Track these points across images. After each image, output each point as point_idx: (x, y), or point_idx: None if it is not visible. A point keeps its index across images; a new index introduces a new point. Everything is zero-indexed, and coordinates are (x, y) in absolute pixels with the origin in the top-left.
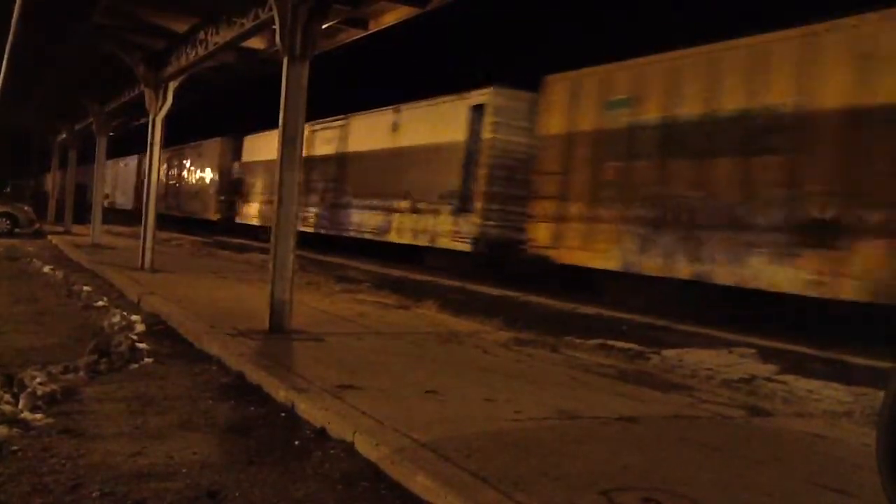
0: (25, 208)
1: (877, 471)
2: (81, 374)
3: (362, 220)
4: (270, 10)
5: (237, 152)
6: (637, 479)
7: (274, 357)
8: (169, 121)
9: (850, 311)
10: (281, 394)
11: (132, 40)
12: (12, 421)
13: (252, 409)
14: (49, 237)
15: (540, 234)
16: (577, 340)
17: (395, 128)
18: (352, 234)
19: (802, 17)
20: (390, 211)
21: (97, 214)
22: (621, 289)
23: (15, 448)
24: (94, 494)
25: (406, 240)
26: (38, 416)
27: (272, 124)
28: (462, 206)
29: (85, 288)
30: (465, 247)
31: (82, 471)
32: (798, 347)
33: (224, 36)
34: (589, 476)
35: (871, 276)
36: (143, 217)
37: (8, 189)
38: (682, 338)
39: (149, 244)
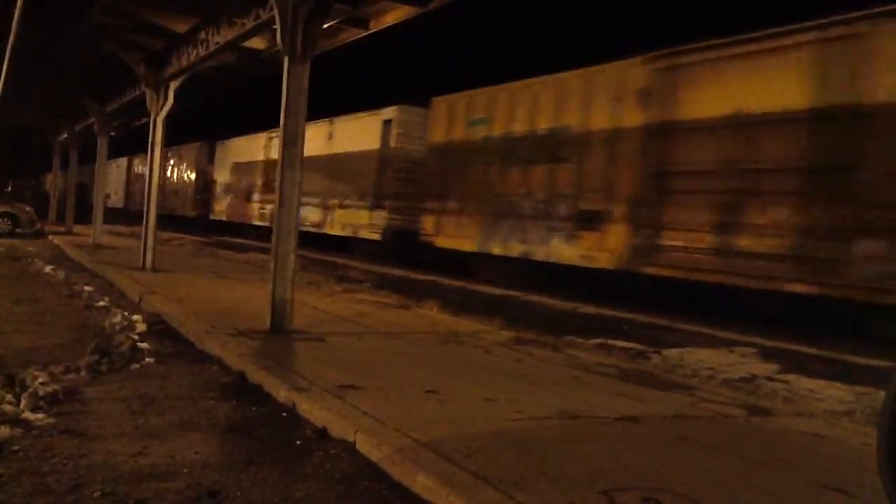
0: (26, 208)
1: (877, 470)
2: (83, 373)
3: (306, 215)
4: (271, 10)
5: (211, 156)
6: (637, 479)
7: (275, 357)
8: (169, 121)
9: (850, 312)
10: (282, 394)
11: (133, 40)
12: (14, 421)
13: (253, 408)
14: (50, 237)
15: (428, 225)
16: (578, 340)
17: (330, 137)
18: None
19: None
20: (327, 207)
21: (98, 214)
22: (482, 266)
23: (16, 448)
24: (95, 494)
25: (337, 231)
26: (40, 416)
27: (273, 124)
28: (376, 203)
29: (86, 288)
30: (377, 237)
31: (83, 471)
32: (799, 347)
33: (225, 36)
34: (589, 476)
35: (616, 251)
36: (144, 217)
37: (9, 189)
38: (682, 337)
39: (150, 244)
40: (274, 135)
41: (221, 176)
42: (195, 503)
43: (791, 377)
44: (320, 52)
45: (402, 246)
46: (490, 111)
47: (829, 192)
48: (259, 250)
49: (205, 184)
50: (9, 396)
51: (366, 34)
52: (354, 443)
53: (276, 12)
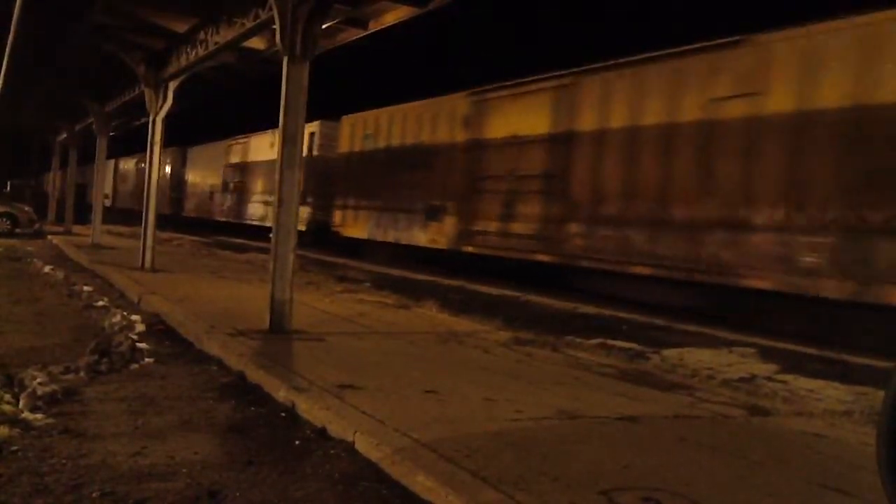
0: (26, 208)
1: (876, 470)
2: (82, 374)
3: (254, 210)
4: (270, 10)
5: (184, 160)
6: (637, 479)
7: (274, 357)
8: (169, 120)
9: (851, 312)
10: (281, 394)
11: (132, 40)
12: (13, 421)
13: (252, 408)
14: (49, 237)
15: (336, 218)
16: (577, 340)
17: (272, 145)
18: (246, 221)
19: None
20: (267, 204)
21: (98, 214)
22: (373, 251)
23: (15, 448)
24: (94, 494)
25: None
26: (39, 416)
27: (272, 124)
28: (303, 201)
29: (85, 288)
30: (303, 228)
31: (83, 471)
32: (798, 347)
33: (224, 36)
34: (589, 476)
35: (449, 235)
36: (144, 217)
37: (8, 189)
38: (682, 337)
39: (149, 244)
40: (233, 142)
41: (192, 177)
42: (195, 503)
43: (790, 377)
44: (320, 52)
45: (321, 235)
46: (375, 128)
47: (556, 191)
48: (259, 250)
49: (178, 184)
50: (8, 396)
51: (365, 34)
52: (354, 443)
53: (275, 12)
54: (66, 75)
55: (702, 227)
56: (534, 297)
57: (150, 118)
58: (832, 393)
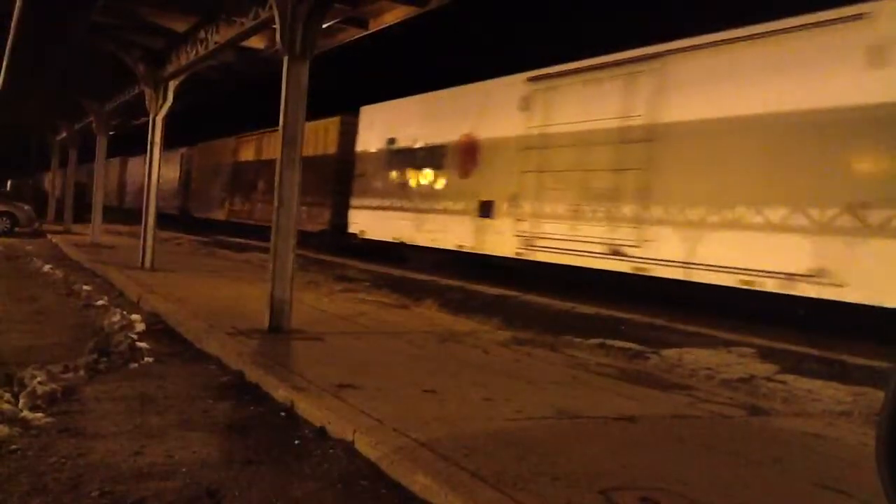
0: (25, 207)
1: (876, 471)
2: (81, 373)
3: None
4: (270, 9)
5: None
6: (636, 479)
7: (273, 356)
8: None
9: (850, 312)
10: (280, 393)
11: (132, 39)
12: (12, 420)
13: (251, 408)
14: (49, 236)
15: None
16: (577, 340)
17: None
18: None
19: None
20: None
21: (97, 213)
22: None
23: (14, 447)
24: (93, 494)
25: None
26: (38, 415)
27: (272, 123)
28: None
29: (85, 287)
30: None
31: (82, 470)
32: (797, 347)
33: (224, 35)
34: (588, 475)
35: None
36: (144, 216)
37: (8, 188)
38: (681, 337)
39: (149, 243)
40: (182, 151)
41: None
42: (194, 502)
43: (789, 377)
44: (320, 52)
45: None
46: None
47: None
48: (258, 250)
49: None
50: (7, 395)
51: (365, 34)
52: (353, 442)
53: (275, 11)
54: (65, 74)
55: None
56: (533, 297)
57: (150, 118)
58: (831, 393)
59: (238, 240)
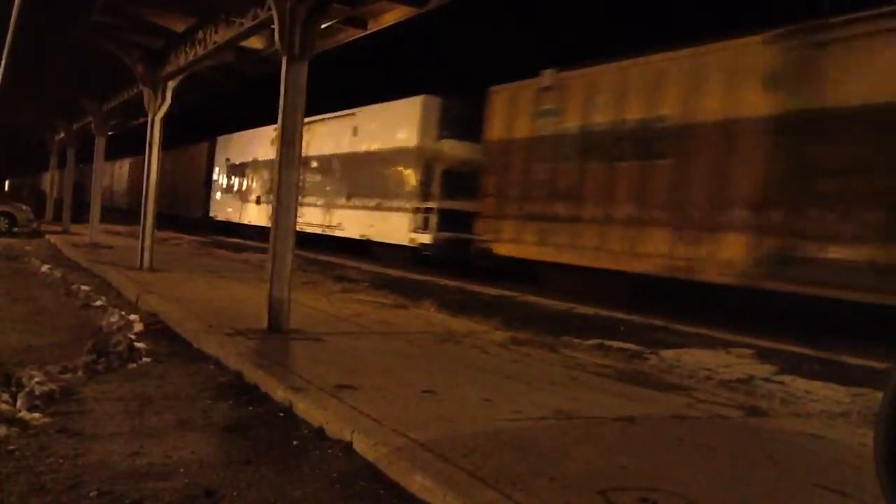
0: (23, 207)
1: (874, 471)
2: (79, 373)
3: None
4: (269, 9)
5: (134, 167)
6: (634, 479)
7: (272, 356)
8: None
9: (850, 312)
10: (279, 393)
11: (131, 39)
12: (10, 420)
13: (250, 408)
14: (47, 236)
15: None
16: (575, 340)
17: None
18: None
19: None
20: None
21: (95, 214)
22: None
23: (12, 447)
24: (91, 494)
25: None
26: (36, 415)
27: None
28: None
29: (83, 287)
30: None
31: (80, 470)
32: (796, 348)
33: (223, 35)
34: (586, 476)
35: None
36: (142, 217)
37: (6, 188)
38: (680, 338)
39: (147, 243)
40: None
41: (117, 184)
42: (192, 502)
43: (788, 378)
44: (319, 52)
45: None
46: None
47: None
48: (257, 250)
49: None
50: (5, 396)
51: (364, 34)
52: (351, 442)
53: (274, 12)
54: (64, 74)
55: None
56: (532, 298)
57: (149, 118)
58: (830, 394)
59: (236, 240)
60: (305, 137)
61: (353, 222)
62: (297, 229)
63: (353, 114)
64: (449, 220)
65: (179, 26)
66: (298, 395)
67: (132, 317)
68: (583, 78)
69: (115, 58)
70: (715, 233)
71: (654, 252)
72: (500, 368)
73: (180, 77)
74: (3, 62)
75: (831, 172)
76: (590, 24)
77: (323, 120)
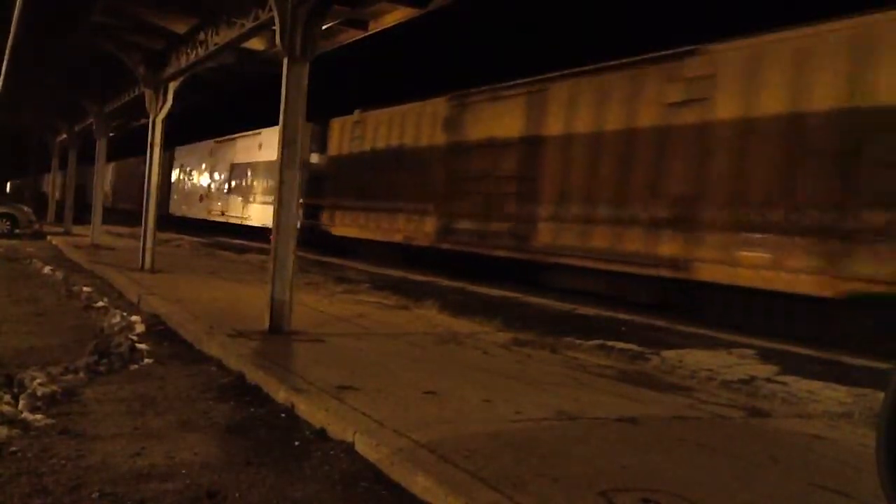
0: (25, 209)
1: (876, 472)
2: (81, 374)
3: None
4: (270, 10)
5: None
6: (636, 480)
7: (273, 358)
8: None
9: (850, 312)
10: (281, 394)
11: (132, 40)
12: (12, 421)
13: (252, 409)
14: (49, 238)
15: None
16: (577, 341)
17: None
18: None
19: None
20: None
21: (97, 215)
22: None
23: (14, 449)
24: (93, 495)
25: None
26: (38, 416)
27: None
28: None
29: (85, 288)
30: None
31: (82, 471)
32: (798, 348)
33: (224, 37)
34: (588, 477)
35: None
36: (144, 218)
37: (7, 189)
38: (681, 339)
39: (149, 245)
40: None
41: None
42: (193, 503)
43: (789, 379)
44: (320, 53)
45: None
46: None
47: None
48: (258, 251)
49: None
50: (7, 397)
51: (365, 35)
52: (353, 443)
53: (275, 13)
54: (65, 76)
55: None
56: (533, 299)
57: (151, 119)
58: (831, 394)
59: (238, 241)
60: (229, 150)
61: (258, 214)
62: (223, 220)
63: (259, 133)
64: (309, 211)
65: (180, 27)
66: (300, 397)
67: (134, 318)
68: (371, 117)
69: (116, 59)
70: (422, 216)
71: (402, 228)
72: (502, 369)
73: (181, 78)
74: (4, 64)
75: (469, 179)
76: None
77: (243, 136)
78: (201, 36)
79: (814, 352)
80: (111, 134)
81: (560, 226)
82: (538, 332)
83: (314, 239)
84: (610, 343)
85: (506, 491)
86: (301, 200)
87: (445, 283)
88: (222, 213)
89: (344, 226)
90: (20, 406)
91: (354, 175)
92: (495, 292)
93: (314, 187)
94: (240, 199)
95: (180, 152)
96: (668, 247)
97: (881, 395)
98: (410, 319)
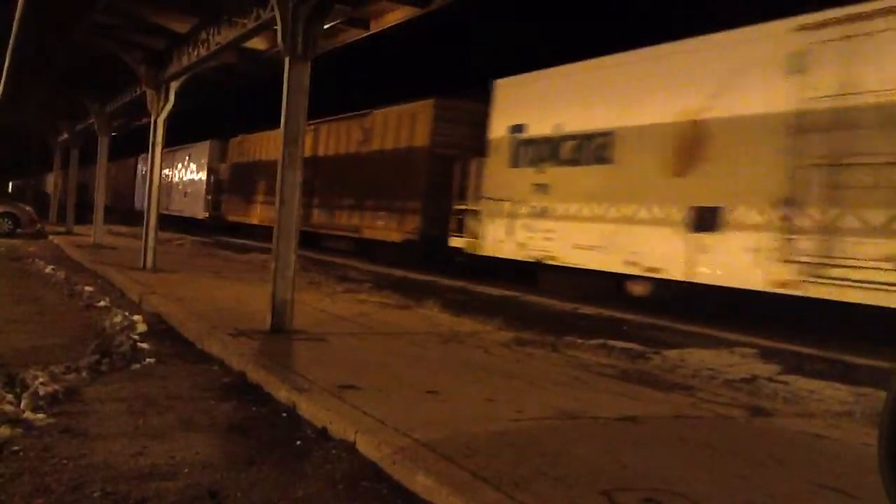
0: (27, 208)
1: (878, 471)
2: (83, 374)
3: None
4: (272, 10)
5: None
6: (638, 479)
7: (275, 357)
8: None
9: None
10: (282, 394)
11: (133, 40)
12: (14, 421)
13: (253, 408)
14: (51, 237)
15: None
16: (578, 340)
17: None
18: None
19: None
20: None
21: (99, 214)
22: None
23: (16, 448)
24: (95, 494)
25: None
26: (40, 415)
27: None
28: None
29: (87, 288)
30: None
31: (84, 471)
32: (799, 347)
33: (225, 36)
34: (590, 476)
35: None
36: (146, 217)
37: (9, 189)
38: (683, 338)
39: (150, 244)
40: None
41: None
42: (195, 503)
43: (791, 378)
44: (321, 53)
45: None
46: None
47: None
48: (260, 251)
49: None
50: (9, 396)
51: (366, 34)
52: (355, 443)
53: (276, 12)
54: (66, 75)
55: None
56: (534, 298)
57: (152, 119)
58: (833, 393)
59: (240, 241)
60: (173, 161)
61: (189, 206)
62: (166, 212)
63: (188, 146)
64: (214, 204)
65: (182, 27)
66: (302, 396)
67: (135, 317)
68: (248, 139)
69: (117, 59)
70: (271, 206)
71: (259, 214)
72: (503, 369)
73: (183, 78)
74: (6, 64)
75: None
76: None
77: (181, 148)
78: (203, 35)
79: (816, 351)
80: (113, 134)
81: (320, 211)
82: (539, 331)
83: (216, 224)
84: (611, 342)
85: (507, 490)
86: (209, 197)
87: (446, 282)
88: (166, 208)
89: (234, 214)
90: (22, 405)
91: (238, 178)
92: (496, 292)
93: (217, 187)
94: (178, 197)
95: (144, 158)
96: (354, 220)
97: (883, 393)
98: (412, 319)
